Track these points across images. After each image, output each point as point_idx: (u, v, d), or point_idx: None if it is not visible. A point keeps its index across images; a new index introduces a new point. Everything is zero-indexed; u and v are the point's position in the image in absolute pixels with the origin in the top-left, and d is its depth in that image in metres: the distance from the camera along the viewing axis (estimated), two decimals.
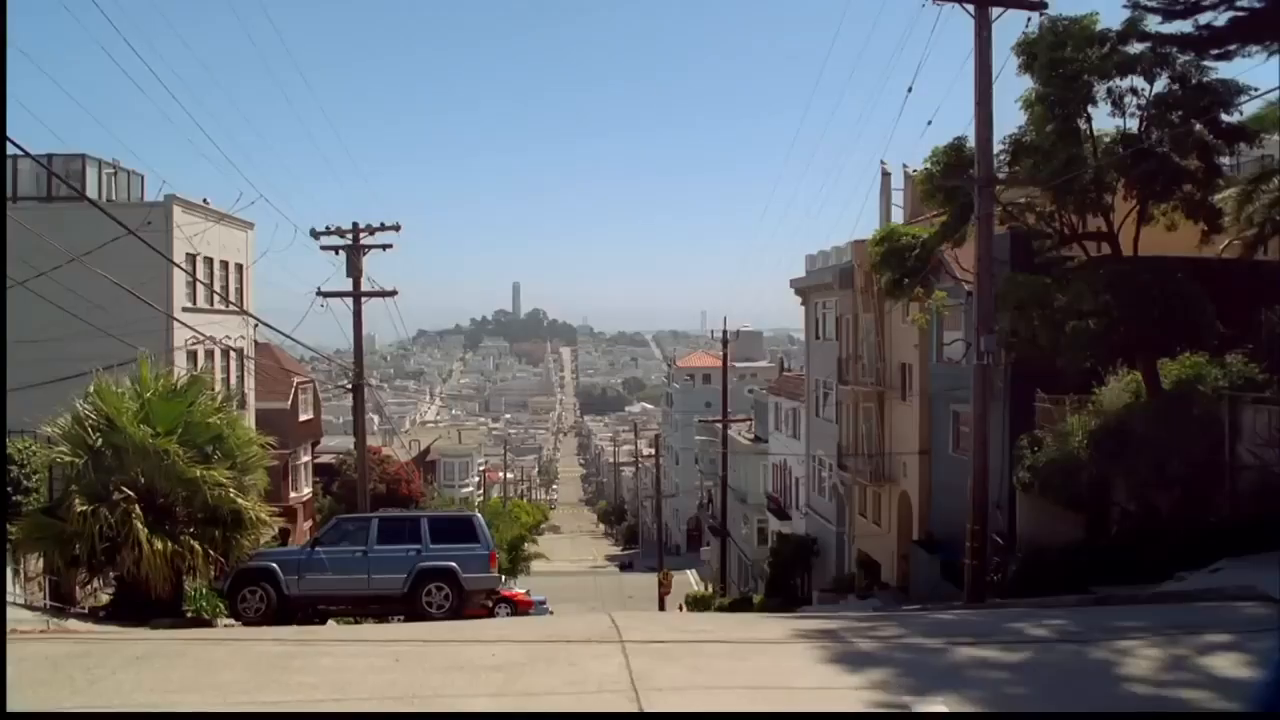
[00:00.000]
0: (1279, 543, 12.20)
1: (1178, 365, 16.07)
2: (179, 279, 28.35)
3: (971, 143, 17.20)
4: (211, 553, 14.24)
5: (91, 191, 28.65)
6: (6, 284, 10.22)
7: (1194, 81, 15.96)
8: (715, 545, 51.12)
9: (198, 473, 14.01)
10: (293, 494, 37.89)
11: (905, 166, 31.08)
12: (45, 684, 7.97)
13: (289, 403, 39.20)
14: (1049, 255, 17.99)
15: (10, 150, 9.46)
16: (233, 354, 32.29)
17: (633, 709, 6.94)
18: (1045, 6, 16.70)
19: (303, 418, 41.11)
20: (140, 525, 13.26)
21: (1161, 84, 16.21)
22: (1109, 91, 16.47)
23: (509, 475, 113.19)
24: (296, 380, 40.23)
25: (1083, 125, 16.71)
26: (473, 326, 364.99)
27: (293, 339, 26.46)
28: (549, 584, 47.51)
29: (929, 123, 19.49)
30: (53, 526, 13.54)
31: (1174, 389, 15.80)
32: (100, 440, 13.96)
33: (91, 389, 14.38)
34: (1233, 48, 15.60)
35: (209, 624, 14.62)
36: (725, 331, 43.57)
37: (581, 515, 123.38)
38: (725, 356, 44.43)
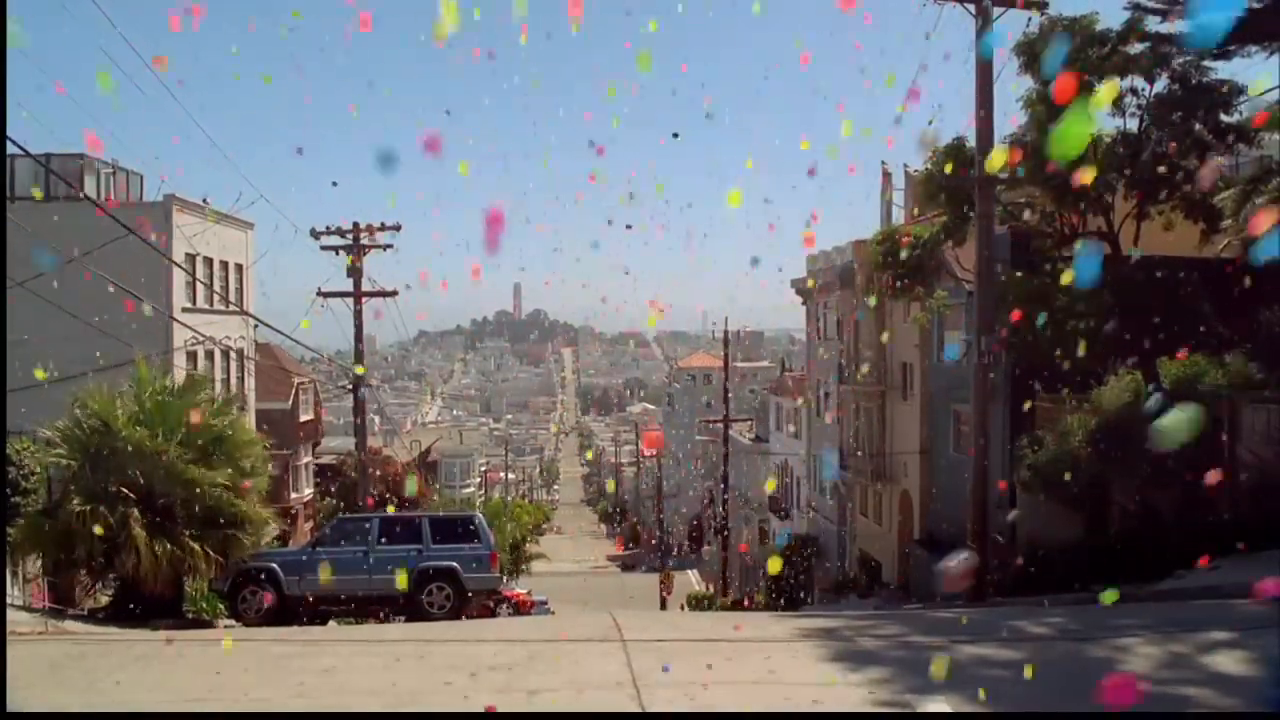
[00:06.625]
0: (1278, 542, 12.22)
1: (1178, 365, 16.05)
2: (179, 279, 28.35)
3: (971, 143, 17.21)
4: (211, 554, 14.22)
5: (90, 192, 28.64)
6: (6, 284, 10.22)
7: (1194, 82, 15.98)
8: (716, 545, 51.10)
9: (196, 474, 13.99)
10: (293, 495, 37.89)
11: (906, 166, 31.11)
12: (44, 685, 7.97)
13: (289, 403, 39.19)
14: (1049, 255, 17.99)
15: (10, 149, 9.46)
16: (233, 354, 32.29)
17: (635, 708, 6.94)
18: (1046, 6, 16.71)
19: (303, 418, 41.10)
20: (139, 527, 13.24)
21: (1161, 84, 16.24)
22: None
23: (510, 475, 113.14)
24: (297, 381, 40.21)
25: None
26: (474, 327, 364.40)
27: (293, 339, 26.51)
28: (550, 584, 47.50)
29: (930, 122, 19.66)
30: (52, 528, 13.52)
31: (1174, 389, 15.78)
32: (98, 442, 13.95)
33: (82, 392, 14.34)
34: (1232, 48, 15.61)
35: (209, 625, 14.63)
36: (726, 331, 43.57)
37: (583, 515, 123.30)
38: (726, 357, 44.42)
